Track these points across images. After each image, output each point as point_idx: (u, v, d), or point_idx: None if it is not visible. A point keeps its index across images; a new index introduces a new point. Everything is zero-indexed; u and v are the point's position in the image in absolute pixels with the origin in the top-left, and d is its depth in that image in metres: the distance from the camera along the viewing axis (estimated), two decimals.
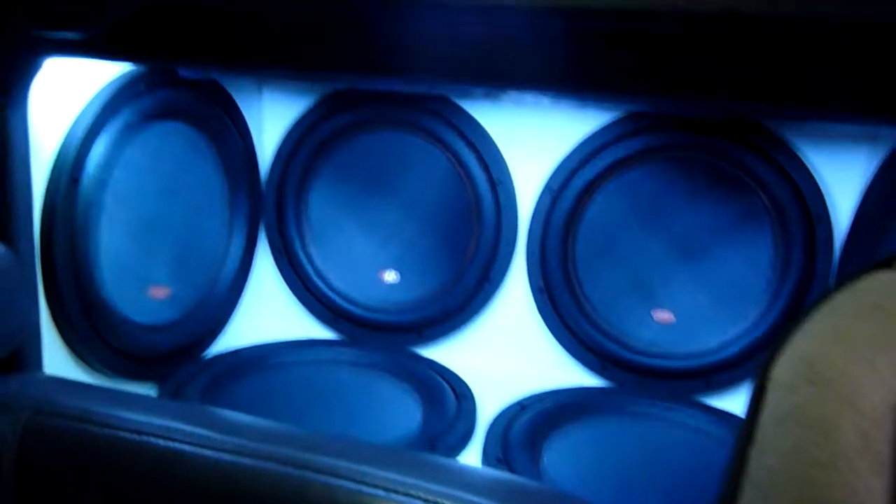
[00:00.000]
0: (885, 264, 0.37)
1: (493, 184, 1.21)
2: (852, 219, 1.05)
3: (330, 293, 1.29)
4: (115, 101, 0.95)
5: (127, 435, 0.53)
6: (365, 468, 0.48)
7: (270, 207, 1.30)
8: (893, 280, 0.34)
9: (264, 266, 1.33)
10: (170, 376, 1.10)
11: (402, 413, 1.09)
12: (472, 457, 0.99)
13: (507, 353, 1.26)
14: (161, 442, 0.52)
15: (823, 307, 0.34)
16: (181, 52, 0.82)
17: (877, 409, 0.25)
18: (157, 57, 0.84)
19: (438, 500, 0.45)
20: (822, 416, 0.25)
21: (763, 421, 0.27)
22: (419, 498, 0.46)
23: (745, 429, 0.28)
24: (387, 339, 1.27)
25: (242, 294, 1.28)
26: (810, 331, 0.32)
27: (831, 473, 0.24)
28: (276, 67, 0.91)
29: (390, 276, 1.28)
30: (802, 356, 0.29)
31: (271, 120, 1.30)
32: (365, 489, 0.46)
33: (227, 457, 0.50)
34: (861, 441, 0.24)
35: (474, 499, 0.45)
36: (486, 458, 0.96)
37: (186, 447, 0.51)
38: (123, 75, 0.97)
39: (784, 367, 0.29)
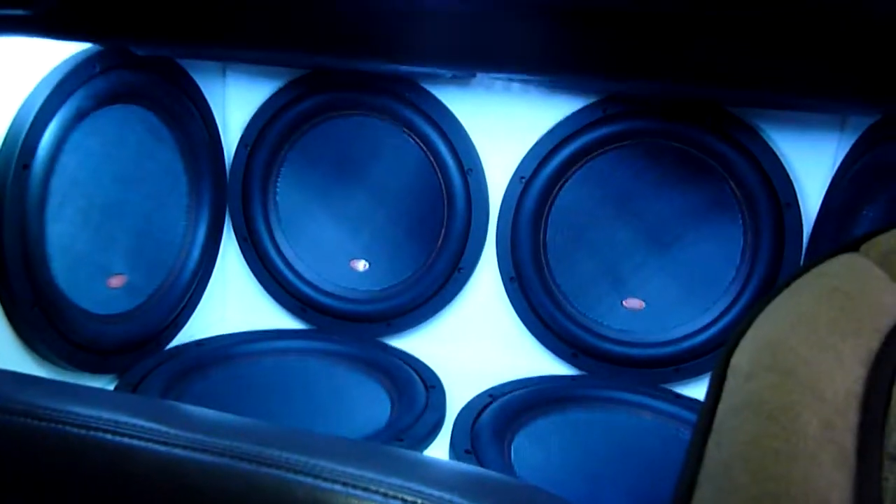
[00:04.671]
0: (850, 247, 0.35)
1: (463, 171, 1.19)
2: (821, 205, 1.06)
3: (297, 282, 1.26)
4: (66, 84, 0.91)
5: (74, 430, 0.50)
6: (322, 462, 0.46)
7: (235, 195, 1.26)
8: (857, 263, 0.33)
9: (230, 255, 1.30)
10: (130, 369, 1.07)
11: (370, 404, 1.07)
12: (440, 448, 0.98)
13: (478, 342, 1.25)
14: (109, 437, 0.50)
15: (786, 291, 0.33)
16: (135, 31, 0.79)
17: (840, 398, 0.24)
18: (110, 35, 0.80)
19: (399, 494, 0.44)
20: (782, 404, 0.24)
21: (722, 411, 0.26)
22: (379, 493, 0.44)
23: (703, 418, 0.27)
24: (356, 330, 1.25)
25: (207, 283, 1.25)
26: (772, 316, 0.30)
27: (790, 465, 0.22)
28: (237, 48, 0.88)
29: (359, 265, 1.26)
30: (764, 342, 0.28)
31: (236, 105, 1.26)
32: (321, 484, 0.45)
33: (178, 452, 0.48)
34: (823, 431, 0.23)
35: (437, 493, 0.44)
36: (455, 449, 0.94)
37: (136, 442, 0.49)
38: (75, 56, 0.93)
39: (744, 354, 0.28)
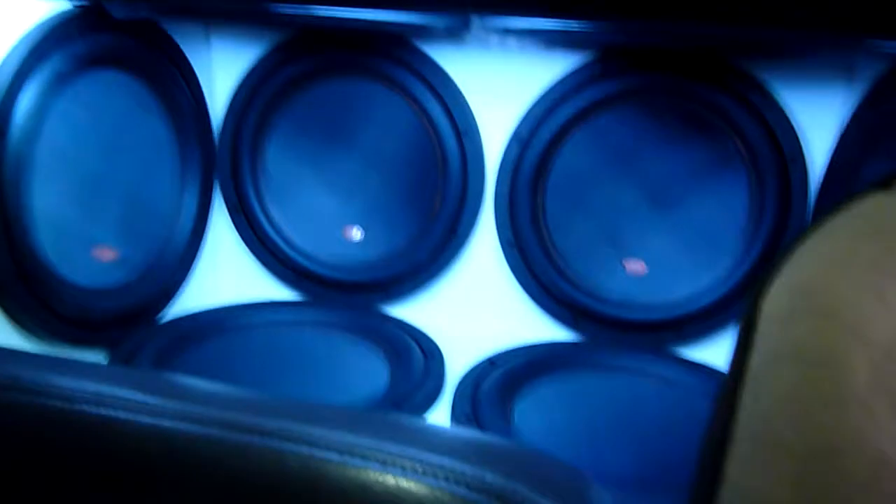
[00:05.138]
0: (881, 185, 0.33)
1: (458, 133, 1.15)
2: (828, 159, 1.03)
3: (291, 252, 1.23)
4: (42, 47, 0.87)
5: (56, 403, 0.48)
6: (317, 430, 0.43)
7: (224, 163, 1.23)
8: (892, 201, 0.30)
9: (220, 225, 1.27)
10: (122, 342, 1.05)
11: (368, 374, 1.05)
12: (440, 416, 0.96)
13: (477, 308, 1.22)
14: (93, 409, 0.47)
15: (817, 233, 0.30)
16: None
17: (889, 341, 0.22)
18: None
19: (397, 461, 0.41)
20: (827, 349, 0.21)
21: (755, 360, 0.23)
22: (376, 460, 0.42)
23: (733, 370, 0.24)
24: (352, 299, 1.23)
25: (198, 254, 1.22)
26: (805, 258, 0.28)
27: (839, 414, 0.20)
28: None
29: (354, 233, 1.23)
30: (798, 285, 0.25)
31: (222, 69, 1.22)
32: (316, 452, 0.42)
33: (165, 423, 0.46)
34: (873, 376, 0.20)
35: (437, 459, 0.41)
36: (455, 416, 0.92)
37: (122, 414, 0.47)
38: (51, 18, 0.89)
39: (777, 299, 0.25)
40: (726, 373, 0.25)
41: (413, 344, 1.10)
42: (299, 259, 1.23)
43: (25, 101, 0.87)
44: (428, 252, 1.19)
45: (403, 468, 0.41)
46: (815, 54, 0.99)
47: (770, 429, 0.21)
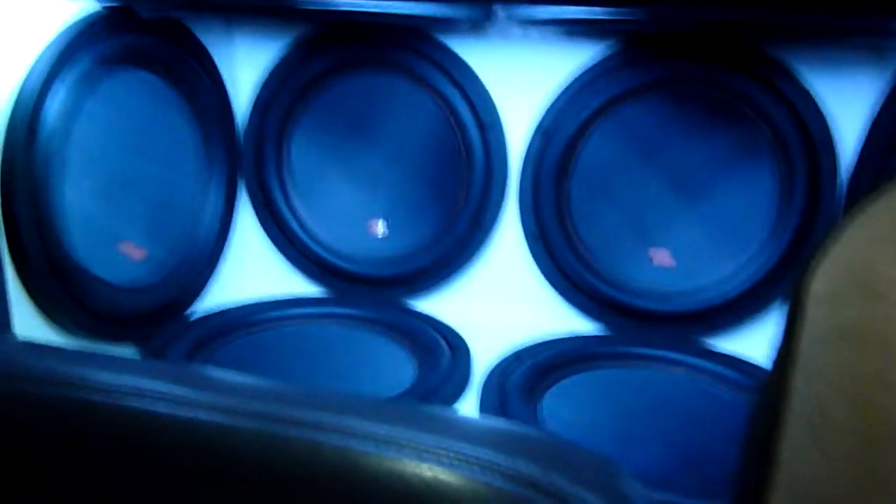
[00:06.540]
0: None
1: (481, 126, 1.15)
2: (860, 147, 1.01)
3: (316, 247, 1.24)
4: (71, 47, 0.88)
5: (94, 396, 0.49)
6: (352, 421, 0.44)
7: (249, 160, 1.24)
8: None
9: (246, 221, 1.28)
10: (151, 338, 1.06)
11: (395, 368, 1.05)
12: (468, 409, 0.97)
13: (502, 302, 1.22)
14: (131, 402, 0.48)
15: (861, 215, 0.29)
16: None
17: None
18: None
19: (433, 451, 0.42)
20: (879, 329, 0.21)
21: (805, 342, 0.23)
22: (412, 451, 0.42)
23: (781, 352, 0.24)
24: (377, 293, 1.23)
25: (224, 251, 1.23)
26: (850, 241, 0.27)
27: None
28: None
29: (379, 228, 1.24)
30: (846, 266, 0.25)
31: (245, 66, 1.23)
32: (353, 443, 0.43)
33: (202, 415, 0.46)
34: None
35: (471, 449, 0.41)
36: (483, 409, 0.93)
37: (159, 406, 0.47)
38: (80, 19, 0.91)
39: (825, 280, 0.25)
40: (774, 355, 0.25)
41: (439, 338, 1.10)
42: (324, 254, 1.24)
43: (55, 102, 0.88)
44: (452, 246, 1.19)
45: (439, 459, 0.41)
46: (844, 38, 0.97)
47: (825, 410, 0.21)
